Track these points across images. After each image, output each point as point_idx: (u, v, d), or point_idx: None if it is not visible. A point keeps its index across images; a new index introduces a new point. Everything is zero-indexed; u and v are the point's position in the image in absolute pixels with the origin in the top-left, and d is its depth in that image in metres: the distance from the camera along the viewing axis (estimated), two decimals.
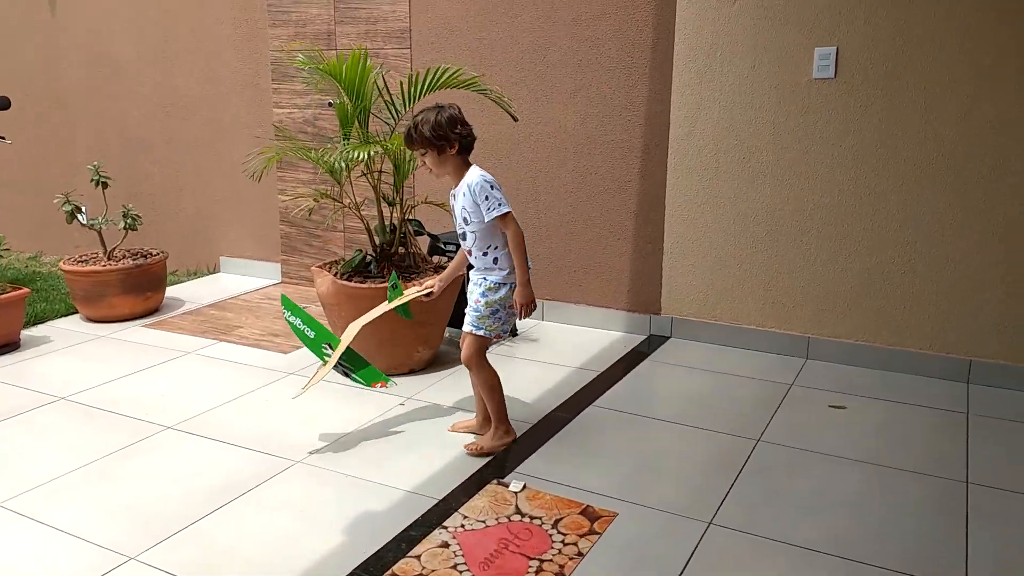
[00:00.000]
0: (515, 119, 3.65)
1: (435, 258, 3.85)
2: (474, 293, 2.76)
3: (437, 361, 3.72)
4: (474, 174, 2.67)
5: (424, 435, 2.97)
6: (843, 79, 3.41)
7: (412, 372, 3.58)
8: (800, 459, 2.75)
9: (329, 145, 4.03)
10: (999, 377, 3.32)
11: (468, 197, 2.65)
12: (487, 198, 2.61)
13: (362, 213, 3.71)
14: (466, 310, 2.79)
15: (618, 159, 4.00)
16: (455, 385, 3.44)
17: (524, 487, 2.53)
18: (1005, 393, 3.28)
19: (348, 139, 3.59)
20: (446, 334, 3.94)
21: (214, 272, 5.48)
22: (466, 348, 2.79)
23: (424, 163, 2.72)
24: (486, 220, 2.63)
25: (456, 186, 2.72)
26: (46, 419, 3.15)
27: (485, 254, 2.71)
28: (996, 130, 3.18)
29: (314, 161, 3.62)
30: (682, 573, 2.10)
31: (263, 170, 3.74)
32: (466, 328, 2.77)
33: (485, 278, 2.74)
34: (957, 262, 3.34)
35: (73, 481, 2.64)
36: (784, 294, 3.70)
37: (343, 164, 3.42)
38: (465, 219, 2.69)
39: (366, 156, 3.32)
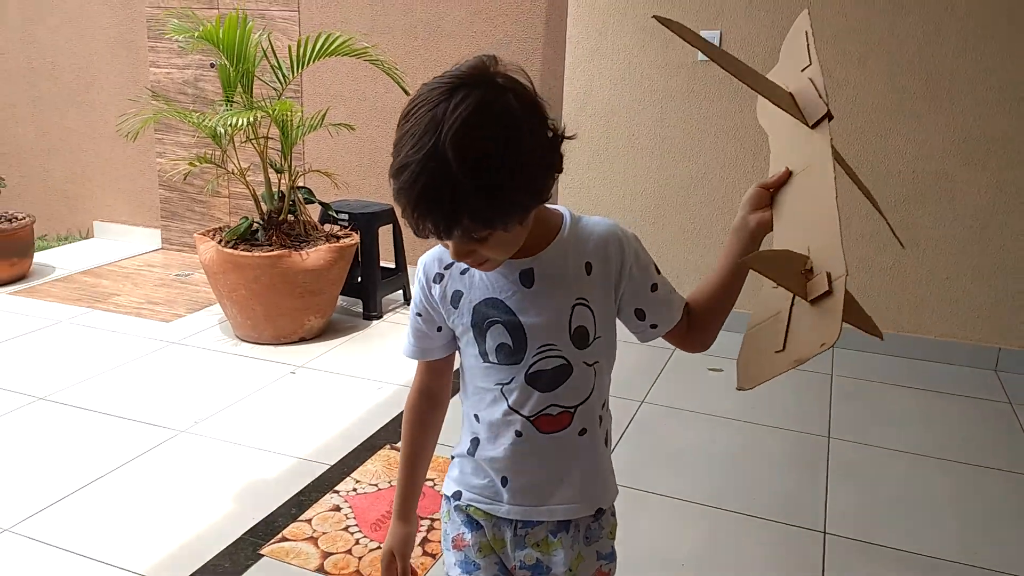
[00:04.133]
0: (407, 93, 3.61)
1: (327, 226, 3.79)
2: (580, 544, 1.13)
3: (329, 329, 3.67)
4: (593, 223, 1.08)
5: (316, 403, 2.94)
6: None
7: (303, 340, 3.52)
8: (680, 418, 2.91)
9: (210, 109, 3.87)
10: (860, 342, 3.61)
11: (598, 271, 1.05)
12: (647, 264, 1.09)
13: (248, 179, 3.60)
14: None
15: None
16: (347, 353, 3.42)
17: None
18: (866, 356, 3.56)
19: (231, 103, 3.47)
20: (340, 302, 3.89)
21: (87, 238, 5.17)
22: None
23: (465, 253, 0.97)
24: (659, 329, 1.10)
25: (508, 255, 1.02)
26: None
27: (602, 419, 1.12)
28: (864, 120, 3.43)
29: (194, 124, 3.48)
30: None
31: (139, 130, 3.56)
32: None
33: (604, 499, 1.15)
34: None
35: None
36: (670, 264, 3.86)
37: (224, 129, 3.30)
38: (570, 330, 1.05)
39: (247, 122, 3.22)
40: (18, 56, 5.05)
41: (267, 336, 3.47)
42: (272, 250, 3.38)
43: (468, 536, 1.14)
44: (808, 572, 2.07)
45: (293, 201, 3.59)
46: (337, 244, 3.51)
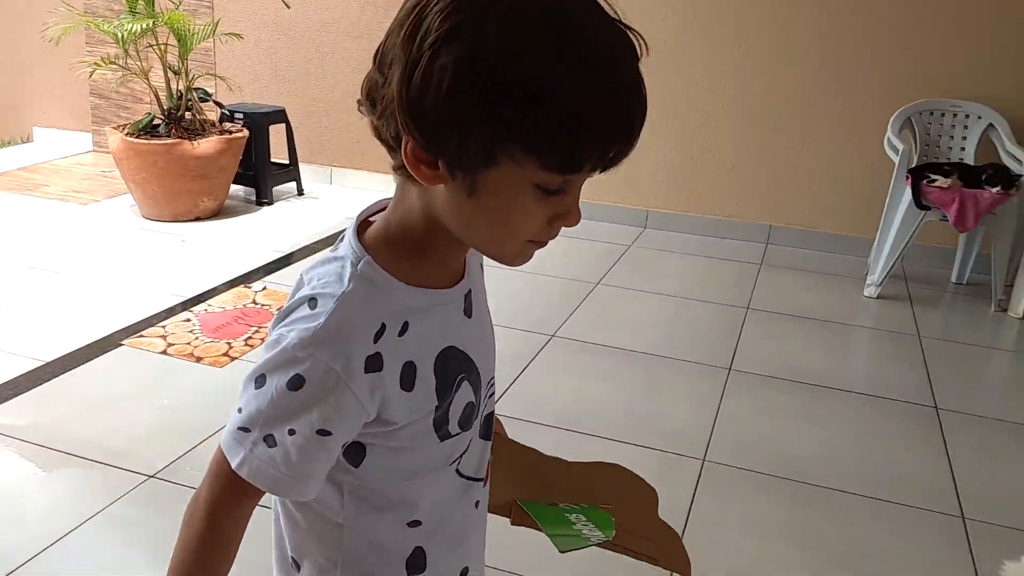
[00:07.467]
0: (288, 6, 4.18)
1: (225, 124, 4.39)
2: None
3: (223, 212, 4.31)
4: None
5: (198, 261, 3.61)
6: None
7: (199, 220, 4.17)
8: (630, 296, 3.59)
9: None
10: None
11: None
12: None
13: (151, 82, 4.18)
14: None
15: None
16: (232, 229, 4.07)
17: (264, 288, 3.24)
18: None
19: (134, 13, 4.03)
20: (237, 192, 4.51)
21: (28, 142, 5.74)
22: None
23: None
24: None
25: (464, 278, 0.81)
26: None
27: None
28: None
29: (99, 30, 4.05)
30: None
31: (59, 37, 4.12)
32: None
33: None
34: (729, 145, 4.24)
35: None
36: (629, 172, 4.49)
37: (122, 34, 3.88)
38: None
39: (142, 28, 3.80)
40: None
41: (167, 215, 4.10)
42: (169, 140, 3.99)
43: None
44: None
45: (190, 100, 4.18)
46: (227, 136, 4.12)
